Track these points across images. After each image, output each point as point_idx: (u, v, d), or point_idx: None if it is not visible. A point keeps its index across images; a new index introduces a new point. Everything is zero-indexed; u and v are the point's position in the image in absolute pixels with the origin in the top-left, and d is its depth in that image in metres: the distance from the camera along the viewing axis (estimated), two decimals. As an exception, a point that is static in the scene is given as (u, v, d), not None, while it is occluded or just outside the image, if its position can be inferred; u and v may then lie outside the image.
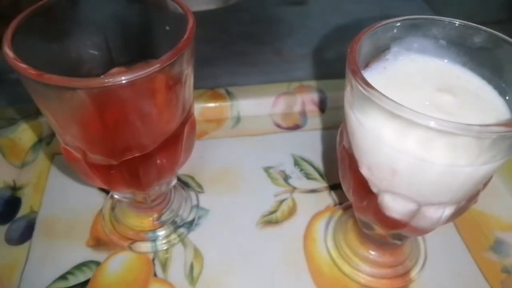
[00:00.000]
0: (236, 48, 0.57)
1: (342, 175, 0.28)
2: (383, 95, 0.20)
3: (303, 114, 0.46)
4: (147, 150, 0.26)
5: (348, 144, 0.26)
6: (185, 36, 0.23)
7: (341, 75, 0.49)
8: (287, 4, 0.68)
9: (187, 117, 0.28)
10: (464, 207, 0.25)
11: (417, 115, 0.19)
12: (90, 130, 0.24)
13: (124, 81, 0.20)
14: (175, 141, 0.28)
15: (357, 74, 0.21)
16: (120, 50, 0.29)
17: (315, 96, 0.47)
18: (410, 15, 0.26)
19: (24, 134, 0.42)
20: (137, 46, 0.29)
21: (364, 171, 0.24)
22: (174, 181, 0.35)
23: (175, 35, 0.23)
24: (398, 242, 0.30)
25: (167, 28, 0.27)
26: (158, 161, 0.27)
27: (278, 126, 0.45)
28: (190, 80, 0.27)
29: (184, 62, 0.24)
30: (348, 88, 0.23)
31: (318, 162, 0.42)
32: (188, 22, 0.24)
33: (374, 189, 0.25)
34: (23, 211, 0.37)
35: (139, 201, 0.34)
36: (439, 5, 0.68)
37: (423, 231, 0.27)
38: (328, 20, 0.64)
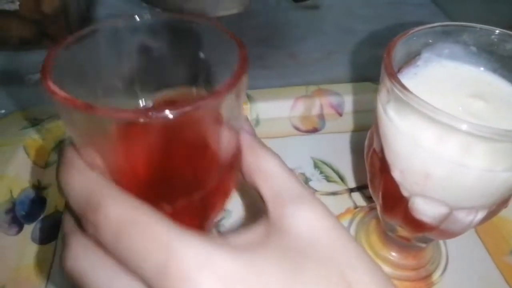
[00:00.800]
0: (252, 52, 0.58)
1: (371, 179, 0.28)
2: (421, 99, 0.21)
3: (321, 117, 0.47)
4: (207, 189, 0.22)
5: (379, 148, 0.26)
6: (241, 62, 0.20)
7: (355, 79, 0.51)
8: (301, 8, 0.69)
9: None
10: (495, 211, 0.25)
11: (457, 120, 0.20)
12: (145, 170, 0.21)
13: (191, 110, 0.17)
14: (230, 169, 0.23)
15: (395, 78, 0.22)
16: (146, 81, 0.25)
17: (333, 100, 0.47)
18: (422, 19, 0.27)
19: (48, 134, 0.42)
20: (164, 76, 0.25)
21: (396, 174, 0.25)
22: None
23: (211, 62, 0.22)
24: (423, 245, 0.31)
25: (202, 55, 0.24)
26: (215, 198, 0.23)
27: (297, 129, 0.46)
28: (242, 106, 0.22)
29: (243, 88, 0.20)
30: (382, 92, 0.24)
31: (338, 165, 0.42)
32: (240, 47, 0.21)
33: (405, 193, 0.25)
34: (48, 210, 0.37)
35: None
36: (452, 9, 0.69)
37: (451, 235, 0.27)
38: (341, 24, 0.65)
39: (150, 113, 0.17)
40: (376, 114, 0.26)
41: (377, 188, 0.28)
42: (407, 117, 0.22)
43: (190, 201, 0.22)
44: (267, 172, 0.21)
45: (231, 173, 0.23)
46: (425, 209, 0.25)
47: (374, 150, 0.27)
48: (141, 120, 0.17)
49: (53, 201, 0.38)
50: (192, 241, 0.17)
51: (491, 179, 0.21)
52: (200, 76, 0.25)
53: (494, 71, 0.27)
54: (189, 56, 0.24)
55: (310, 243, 0.19)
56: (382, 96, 0.24)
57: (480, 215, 0.24)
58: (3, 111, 0.46)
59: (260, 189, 0.21)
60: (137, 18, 0.23)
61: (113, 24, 0.22)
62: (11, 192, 0.36)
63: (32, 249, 0.34)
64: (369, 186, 0.30)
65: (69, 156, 0.20)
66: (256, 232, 0.19)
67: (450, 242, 0.35)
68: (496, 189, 0.22)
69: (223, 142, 0.21)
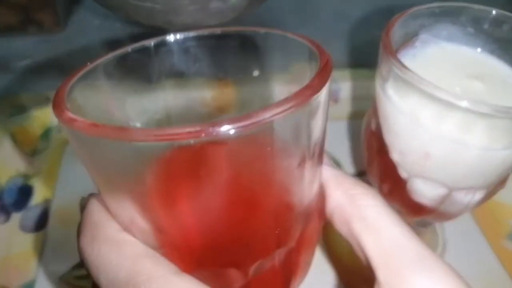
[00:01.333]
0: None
1: (369, 162, 0.28)
2: (421, 77, 0.20)
3: (316, 105, 0.46)
4: (289, 244, 0.16)
5: (377, 130, 0.26)
6: (322, 70, 0.14)
7: (351, 65, 0.50)
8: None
9: None
10: (493, 191, 0.25)
11: (457, 97, 0.19)
12: (204, 223, 0.15)
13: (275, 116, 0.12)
14: (314, 214, 0.17)
15: (394, 57, 0.21)
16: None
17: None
18: (419, 2, 0.26)
19: (35, 122, 0.41)
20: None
21: (395, 156, 0.24)
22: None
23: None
24: (422, 229, 0.31)
25: (256, 74, 0.19)
26: (299, 256, 0.18)
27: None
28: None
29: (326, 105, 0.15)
30: (382, 73, 0.23)
31: (334, 152, 0.42)
32: (321, 53, 0.16)
33: (404, 174, 0.25)
34: (36, 199, 0.36)
35: None
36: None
37: (449, 217, 0.27)
38: (336, 10, 0.64)
39: (213, 128, 0.11)
40: (375, 95, 0.25)
41: (376, 171, 0.27)
42: (407, 96, 0.22)
43: (268, 264, 0.16)
44: (372, 223, 0.16)
45: (316, 219, 0.18)
46: (424, 190, 0.24)
47: (372, 132, 0.27)
48: (203, 136, 0.11)
49: (41, 190, 0.37)
50: None
51: (490, 157, 0.21)
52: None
53: (492, 52, 0.26)
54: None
55: None
56: (381, 76, 0.24)
57: (478, 195, 0.24)
58: (-12, 98, 0.45)
59: (364, 245, 0.16)
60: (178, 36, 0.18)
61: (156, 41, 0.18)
62: (-2, 179, 0.35)
63: (20, 237, 0.34)
64: (367, 170, 0.29)
65: (99, 216, 0.15)
66: None
67: (447, 226, 0.35)
68: (494, 168, 0.22)
69: (303, 173, 0.15)
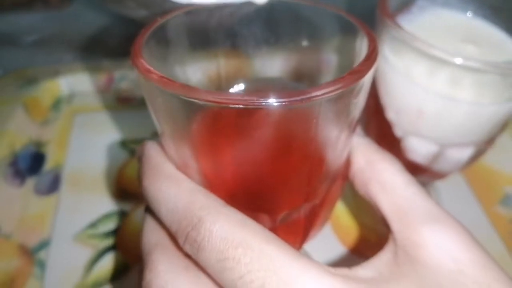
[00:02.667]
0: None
1: (367, 122, 0.29)
2: (414, 36, 0.21)
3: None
4: (315, 200, 0.19)
5: (374, 91, 0.27)
6: (369, 55, 0.16)
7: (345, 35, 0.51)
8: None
9: None
10: (482, 150, 0.26)
11: (447, 53, 0.20)
12: (245, 174, 0.17)
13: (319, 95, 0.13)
14: (338, 176, 0.20)
15: (391, 18, 0.22)
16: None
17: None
18: None
19: (45, 93, 0.43)
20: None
21: (390, 115, 0.26)
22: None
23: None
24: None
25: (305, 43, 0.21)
26: (321, 211, 0.20)
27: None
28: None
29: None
30: (379, 35, 0.24)
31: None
32: (370, 39, 0.17)
33: (399, 133, 0.26)
34: (49, 165, 0.38)
35: None
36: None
37: (441, 175, 0.28)
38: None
39: (264, 99, 0.13)
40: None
41: (373, 131, 0.29)
42: (401, 55, 0.23)
43: (295, 215, 0.19)
44: (388, 182, 0.18)
45: (339, 181, 0.20)
46: (418, 148, 0.26)
47: (370, 94, 0.28)
48: (255, 106, 0.13)
49: (52, 156, 0.39)
50: (321, 278, 0.14)
51: (478, 112, 0.22)
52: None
53: (485, 17, 0.27)
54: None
55: (455, 280, 0.15)
56: (378, 39, 0.25)
57: (468, 152, 0.25)
58: (0, 71, 0.46)
59: (379, 204, 0.18)
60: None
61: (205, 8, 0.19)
62: (13, 146, 0.37)
63: (35, 200, 0.35)
64: (365, 131, 0.30)
65: (157, 159, 0.17)
66: (383, 261, 0.16)
67: (442, 192, 0.37)
68: (483, 124, 0.23)
69: (338, 142, 0.17)
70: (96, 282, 0.30)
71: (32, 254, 0.32)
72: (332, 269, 0.15)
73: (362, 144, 0.19)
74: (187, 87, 0.14)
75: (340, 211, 0.35)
